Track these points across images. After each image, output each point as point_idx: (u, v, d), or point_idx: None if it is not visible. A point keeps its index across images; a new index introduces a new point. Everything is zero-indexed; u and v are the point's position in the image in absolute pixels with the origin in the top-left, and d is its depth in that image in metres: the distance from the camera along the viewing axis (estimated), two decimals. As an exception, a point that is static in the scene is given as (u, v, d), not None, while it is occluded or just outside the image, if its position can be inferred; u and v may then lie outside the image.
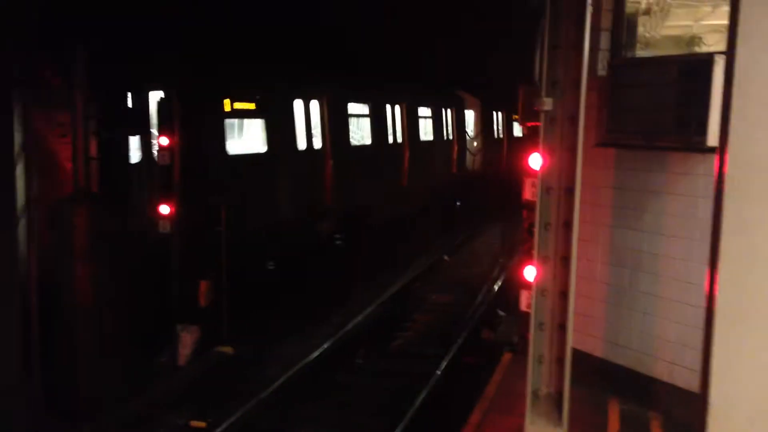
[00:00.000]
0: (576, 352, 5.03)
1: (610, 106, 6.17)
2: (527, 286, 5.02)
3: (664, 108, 5.71)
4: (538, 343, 4.78)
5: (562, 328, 4.73)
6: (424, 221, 18.04)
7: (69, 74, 7.92)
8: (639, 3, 9.17)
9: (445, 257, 17.38)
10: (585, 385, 6.15)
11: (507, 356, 7.64)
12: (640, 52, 7.81)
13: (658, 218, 5.92)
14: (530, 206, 6.31)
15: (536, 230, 4.72)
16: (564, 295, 4.70)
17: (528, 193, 6.43)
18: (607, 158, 6.32)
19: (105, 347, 8.07)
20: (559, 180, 4.67)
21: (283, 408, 8.70)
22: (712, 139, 5.30)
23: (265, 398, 8.72)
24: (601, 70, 6.40)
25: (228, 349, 9.93)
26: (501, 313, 12.23)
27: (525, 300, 6.48)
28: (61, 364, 7.82)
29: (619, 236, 6.26)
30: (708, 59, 5.37)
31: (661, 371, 5.97)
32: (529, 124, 6.23)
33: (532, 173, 5.43)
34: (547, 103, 4.64)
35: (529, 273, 4.89)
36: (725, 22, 3.58)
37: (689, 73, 5.52)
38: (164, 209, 9.35)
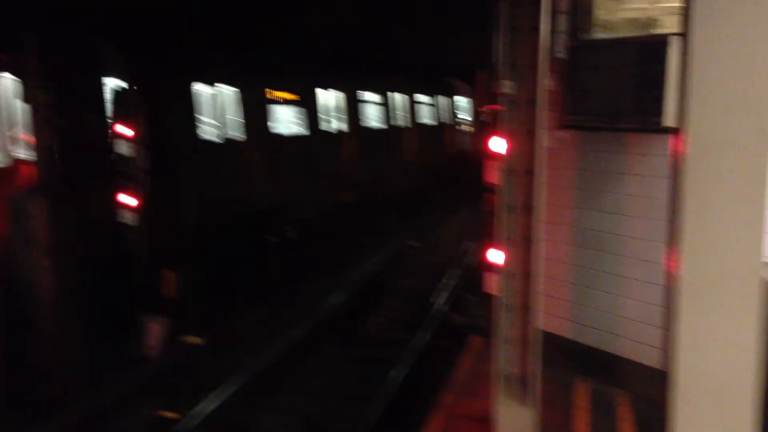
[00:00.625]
0: (544, 334, 5.09)
1: (570, 88, 6.21)
2: (491, 268, 5.06)
3: (624, 89, 5.77)
4: (505, 325, 4.84)
5: (527, 309, 4.78)
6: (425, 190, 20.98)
7: (22, 64, 7.76)
8: (598, -15, 9.24)
9: None
10: (554, 366, 6.24)
11: (477, 340, 7.70)
12: (599, 35, 7.88)
13: (619, 199, 6.00)
14: (494, 189, 6.37)
15: (500, 213, 4.75)
16: (529, 276, 4.75)
17: (491, 176, 6.49)
18: (570, 140, 6.37)
19: (71, 340, 7.97)
20: (520, 163, 4.70)
21: (253, 397, 8.69)
22: (669, 119, 5.37)
23: (235, 388, 8.70)
24: (560, 53, 6.44)
25: (197, 340, 9.87)
26: (470, 296, 12.33)
27: (489, 282, 6.56)
28: (26, 357, 7.71)
29: (582, 217, 6.32)
30: (663, 40, 5.43)
31: (626, 350, 6.07)
32: (488, 107, 6.24)
33: (495, 156, 5.47)
34: (508, 86, 4.66)
35: (493, 255, 4.93)
36: (680, 4, 3.62)
37: (646, 54, 5.58)
38: (127, 200, 9.23)
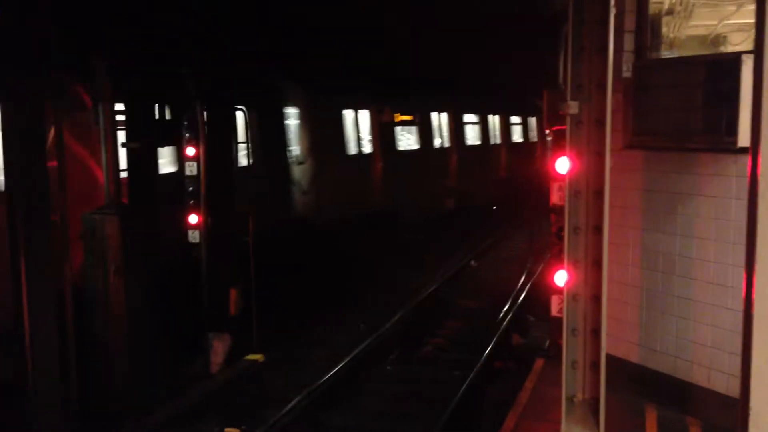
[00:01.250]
0: (610, 358, 4.98)
1: (636, 108, 6.12)
2: (558, 290, 4.99)
3: (692, 109, 5.65)
4: (571, 348, 4.75)
5: (595, 332, 4.69)
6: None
7: (94, 87, 8.06)
8: (662, 3, 9.11)
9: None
10: (620, 391, 6.10)
11: (539, 362, 7.59)
12: (665, 53, 7.75)
13: (689, 221, 5.85)
14: (557, 210, 6.29)
15: (565, 234, 4.69)
16: (596, 299, 4.66)
17: (555, 197, 6.42)
18: (635, 161, 6.26)
19: (138, 355, 8.17)
20: (587, 183, 4.64)
21: (314, 414, 8.74)
22: (743, 139, 5.23)
23: (296, 405, 8.76)
24: (626, 72, 6.35)
25: (259, 357, 9.99)
26: (531, 318, 12.18)
27: (556, 305, 6.46)
28: (95, 372, 7.93)
29: (650, 239, 6.19)
30: (736, 59, 5.30)
31: (698, 376, 5.89)
32: (555, 128, 6.20)
33: (559, 177, 5.41)
34: (573, 107, 4.62)
35: (560, 278, 4.86)
36: (750, 20, 3.55)
37: (717, 73, 5.46)
38: (192, 219, 9.48)
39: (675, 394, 6.06)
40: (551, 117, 6.28)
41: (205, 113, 9.61)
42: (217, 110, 10.03)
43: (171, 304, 8.92)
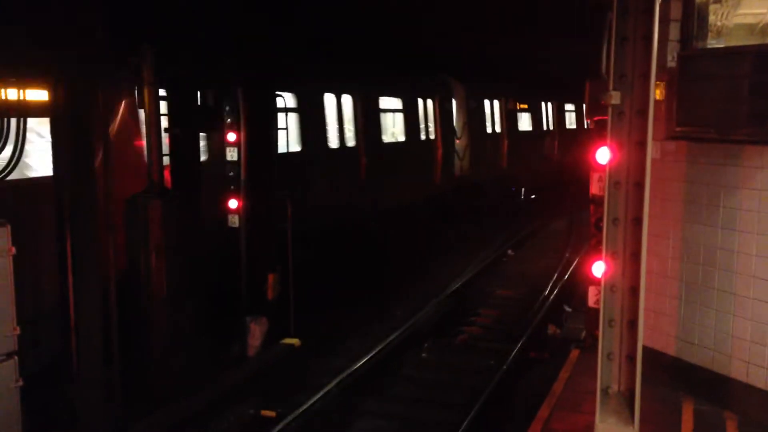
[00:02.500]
0: (647, 350, 4.96)
1: (680, 98, 6.04)
2: (596, 282, 4.97)
3: (738, 100, 5.56)
4: (607, 340, 4.73)
5: (632, 324, 4.67)
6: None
7: (139, 73, 8.19)
8: (711, -9, 8.92)
9: None
10: (657, 384, 6.07)
11: (574, 353, 7.57)
12: (712, 42, 7.60)
13: (732, 213, 5.77)
14: (597, 201, 6.24)
15: (604, 225, 4.66)
16: (634, 291, 4.63)
17: (595, 188, 6.37)
18: (678, 152, 6.18)
19: (178, 337, 8.33)
20: (627, 174, 4.60)
21: (348, 399, 8.84)
22: (791, 131, 5.14)
23: (331, 389, 8.87)
24: (671, 62, 6.26)
25: (295, 341, 10.11)
26: (567, 308, 12.11)
27: (593, 296, 6.43)
28: (137, 353, 8.12)
29: (690, 231, 6.12)
30: (785, 49, 5.20)
31: (736, 370, 5.82)
32: (596, 118, 6.14)
33: (599, 168, 5.37)
34: (615, 97, 4.57)
35: (598, 269, 4.84)
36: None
37: (764, 64, 5.35)
38: (232, 204, 9.61)
39: (712, 387, 6.00)
40: (593, 107, 6.22)
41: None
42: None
43: (211, 287, 9.07)
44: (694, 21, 6.27)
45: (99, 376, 7.26)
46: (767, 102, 5.30)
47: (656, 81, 4.62)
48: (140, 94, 8.28)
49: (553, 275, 14.53)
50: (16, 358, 6.03)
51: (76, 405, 7.17)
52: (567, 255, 16.11)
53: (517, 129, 23.77)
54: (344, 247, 12.72)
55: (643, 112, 4.52)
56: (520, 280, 14.64)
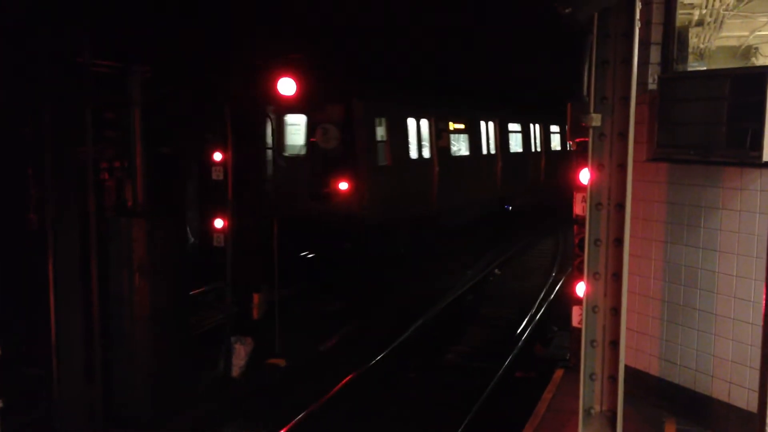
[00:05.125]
0: (630, 370, 4.97)
1: (661, 120, 6.10)
2: (579, 301, 4.99)
3: (717, 122, 5.62)
4: (590, 360, 4.74)
5: (614, 344, 4.68)
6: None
7: (126, 93, 8.21)
8: (692, 14, 9.05)
9: None
10: (640, 404, 6.08)
11: (558, 372, 7.57)
12: (693, 64, 7.70)
13: (713, 234, 5.81)
14: (580, 221, 6.27)
15: (586, 246, 4.69)
16: (616, 311, 4.65)
17: (578, 208, 6.42)
18: (659, 173, 6.24)
19: (161, 358, 8.28)
20: (608, 196, 4.64)
21: (334, 420, 8.79)
22: (768, 153, 5.20)
23: (316, 411, 8.82)
24: (652, 84, 6.34)
25: (281, 362, 10.07)
26: (554, 328, 12.12)
27: (576, 316, 6.45)
28: (119, 374, 8.05)
29: (672, 252, 6.16)
30: (762, 73, 5.27)
31: (718, 391, 5.84)
32: (578, 139, 6.19)
33: (583, 188, 5.41)
34: (596, 119, 4.62)
35: (581, 289, 4.86)
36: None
37: (743, 87, 5.42)
38: (218, 223, 9.61)
39: (694, 408, 6.01)
40: (574, 129, 6.27)
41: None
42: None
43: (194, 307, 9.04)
44: (674, 44, 6.35)
45: (80, 397, 7.20)
46: (745, 125, 5.37)
47: (638, 103, 4.67)
48: (126, 114, 8.30)
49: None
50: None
51: (56, 425, 7.10)
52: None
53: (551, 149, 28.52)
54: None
55: (623, 135, 4.57)
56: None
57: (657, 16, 6.34)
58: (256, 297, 10.06)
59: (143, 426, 7.99)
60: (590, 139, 4.65)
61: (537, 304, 13.96)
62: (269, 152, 14.10)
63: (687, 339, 6.07)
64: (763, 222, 5.38)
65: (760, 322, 3.73)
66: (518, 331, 12.23)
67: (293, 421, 8.42)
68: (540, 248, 20.86)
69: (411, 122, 16.38)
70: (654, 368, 6.34)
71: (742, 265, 5.60)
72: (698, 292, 5.96)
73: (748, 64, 11.95)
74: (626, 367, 4.68)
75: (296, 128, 15.04)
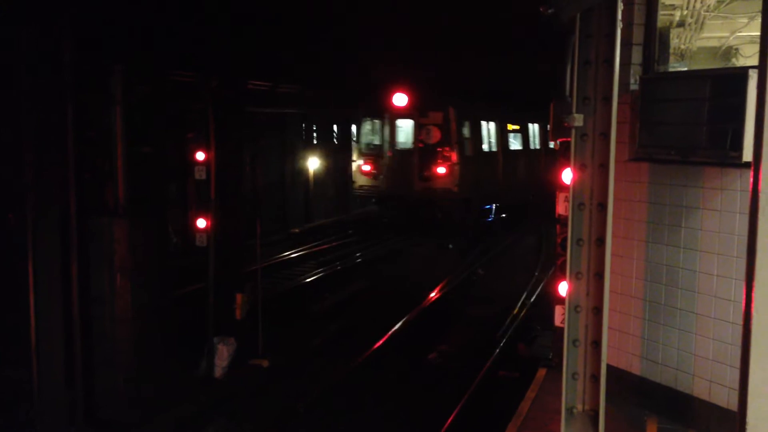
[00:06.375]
0: (612, 369, 4.99)
1: (642, 120, 6.13)
2: (561, 301, 5.00)
3: (698, 123, 5.66)
4: (572, 359, 4.76)
5: (596, 344, 4.70)
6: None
7: (108, 91, 8.14)
8: (672, 15, 9.10)
9: None
10: (622, 403, 6.11)
11: (542, 372, 7.59)
12: (675, 65, 7.75)
13: (694, 234, 5.85)
14: (563, 221, 6.30)
15: (568, 246, 4.71)
16: (598, 311, 4.67)
17: (561, 208, 6.43)
18: (641, 173, 6.27)
19: (143, 359, 8.22)
20: (590, 195, 4.66)
21: (317, 420, 8.77)
22: (749, 154, 5.23)
23: (300, 411, 8.79)
24: (634, 85, 6.37)
25: (263, 362, 10.02)
26: (537, 327, 12.16)
27: (559, 315, 6.46)
28: (100, 376, 7.98)
29: (654, 252, 6.20)
30: (742, 73, 5.31)
31: (699, 389, 5.88)
32: (561, 139, 6.21)
33: (565, 188, 5.42)
34: (578, 119, 4.63)
35: (563, 288, 4.87)
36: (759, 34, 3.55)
37: (723, 87, 5.47)
38: (201, 223, 9.55)
39: (676, 406, 6.05)
40: (557, 129, 6.29)
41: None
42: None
43: (177, 308, 8.98)
44: (655, 45, 6.39)
45: (60, 399, 7.13)
46: (725, 125, 5.41)
47: (620, 103, 4.68)
48: (107, 112, 8.22)
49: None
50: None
51: (37, 427, 7.03)
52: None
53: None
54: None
55: (605, 135, 4.59)
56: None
57: (638, 17, 6.37)
58: (239, 297, 10.00)
59: (124, 427, 7.93)
60: (572, 139, 4.67)
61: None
62: (386, 147, 20.55)
63: (668, 338, 6.11)
64: (743, 222, 5.42)
65: (740, 321, 3.75)
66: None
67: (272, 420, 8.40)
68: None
69: (484, 124, 21.87)
70: (636, 367, 6.37)
71: (723, 264, 5.64)
72: (679, 292, 6.00)
73: (729, 65, 12.02)
74: (608, 366, 4.71)
75: (405, 129, 20.68)
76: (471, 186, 20.32)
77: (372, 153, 20.67)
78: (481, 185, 21.04)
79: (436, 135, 19.81)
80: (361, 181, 20.98)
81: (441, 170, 19.75)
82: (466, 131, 20.69)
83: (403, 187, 20.04)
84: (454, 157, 19.86)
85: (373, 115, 20.77)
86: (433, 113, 19.97)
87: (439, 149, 19.75)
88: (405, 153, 20.43)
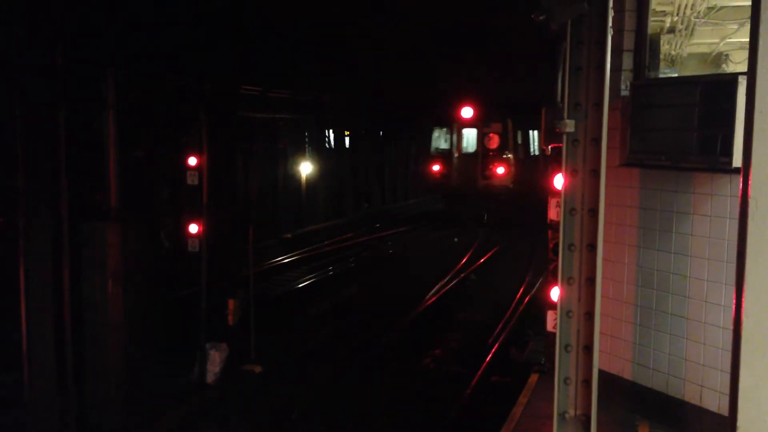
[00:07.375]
0: (604, 374, 5.00)
1: (633, 126, 6.17)
2: (553, 306, 5.02)
3: (688, 128, 5.69)
4: (564, 364, 4.77)
5: (588, 349, 4.71)
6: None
7: (101, 96, 8.14)
8: (663, 21, 9.16)
9: None
10: (613, 408, 6.12)
11: (534, 377, 7.61)
12: (665, 71, 7.80)
13: (685, 239, 5.88)
14: (555, 226, 6.32)
15: (560, 251, 4.73)
16: (589, 316, 4.69)
17: (552, 213, 6.45)
18: (632, 178, 6.31)
19: (135, 365, 8.20)
20: (582, 201, 4.68)
21: (310, 425, 8.76)
22: (738, 160, 5.26)
23: (293, 417, 8.78)
24: (624, 91, 6.41)
25: (256, 368, 10.01)
26: (529, 332, 12.18)
27: (551, 321, 6.47)
28: (92, 381, 7.95)
29: (645, 257, 6.22)
30: (732, 79, 5.35)
31: (690, 394, 5.90)
32: (552, 145, 6.24)
33: (557, 193, 5.45)
34: (570, 125, 4.65)
35: (555, 293, 4.89)
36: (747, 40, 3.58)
37: (713, 94, 5.51)
38: (193, 228, 9.52)
39: (667, 411, 6.07)
40: (549, 135, 6.32)
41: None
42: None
43: (169, 313, 8.96)
44: (646, 51, 6.42)
45: (52, 404, 7.10)
46: (716, 131, 5.45)
47: (611, 109, 4.71)
48: (101, 117, 8.22)
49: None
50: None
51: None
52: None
53: None
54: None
55: (597, 140, 4.61)
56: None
57: (629, 24, 6.41)
58: (231, 303, 9.99)
59: (116, 433, 7.91)
60: (564, 145, 4.70)
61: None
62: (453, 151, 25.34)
63: (659, 343, 6.13)
64: (734, 227, 5.45)
65: (731, 326, 3.78)
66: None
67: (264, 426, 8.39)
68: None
69: (530, 132, 26.06)
70: (627, 372, 6.39)
71: (713, 269, 5.67)
72: (670, 297, 6.02)
73: (719, 71, 12.11)
74: (600, 371, 4.72)
75: (470, 137, 25.46)
76: (523, 183, 24.69)
77: (441, 156, 25.44)
78: (531, 182, 24.36)
79: (495, 141, 24.76)
80: (431, 179, 25.76)
81: (500, 170, 24.56)
82: (519, 138, 25.55)
83: (468, 184, 24.80)
84: (511, 159, 24.86)
85: (442, 124, 25.83)
86: (495, 124, 24.86)
87: (498, 153, 24.66)
88: (470, 156, 25.32)
